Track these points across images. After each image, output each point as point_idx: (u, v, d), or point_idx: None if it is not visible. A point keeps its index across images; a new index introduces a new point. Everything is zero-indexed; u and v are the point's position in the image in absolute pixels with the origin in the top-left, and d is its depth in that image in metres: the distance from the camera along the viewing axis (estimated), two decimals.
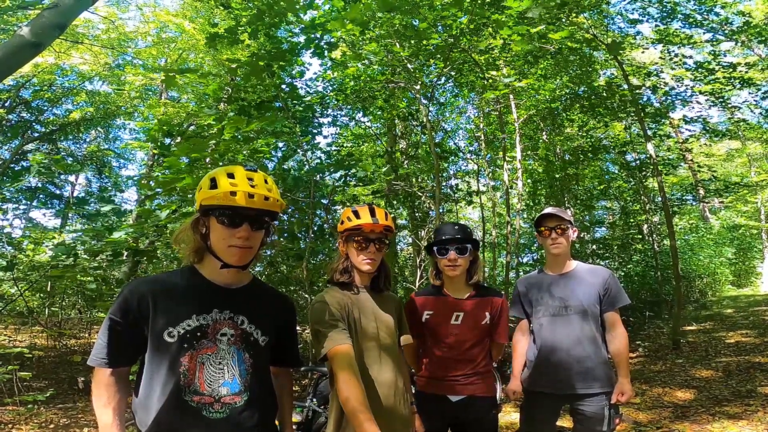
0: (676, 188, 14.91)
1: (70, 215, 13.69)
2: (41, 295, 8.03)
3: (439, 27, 5.19)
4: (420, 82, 6.19)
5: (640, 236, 12.42)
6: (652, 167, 8.69)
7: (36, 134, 14.73)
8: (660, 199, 8.76)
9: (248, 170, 1.39)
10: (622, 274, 11.09)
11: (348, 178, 5.54)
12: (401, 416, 1.83)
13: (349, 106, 7.81)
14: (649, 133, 8.35)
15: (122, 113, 14.56)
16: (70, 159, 15.12)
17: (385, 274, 1.97)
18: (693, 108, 8.78)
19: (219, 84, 6.06)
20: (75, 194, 17.30)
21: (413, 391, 2.18)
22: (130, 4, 14.08)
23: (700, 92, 8.00)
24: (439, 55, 5.67)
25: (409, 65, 5.85)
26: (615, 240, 11.83)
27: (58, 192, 15.71)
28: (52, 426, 4.42)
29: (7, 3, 5.67)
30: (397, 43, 5.64)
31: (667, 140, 10.89)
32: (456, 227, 2.21)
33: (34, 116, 14.44)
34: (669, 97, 8.65)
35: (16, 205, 12.74)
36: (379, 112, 7.89)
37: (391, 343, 1.88)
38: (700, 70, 7.66)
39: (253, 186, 1.36)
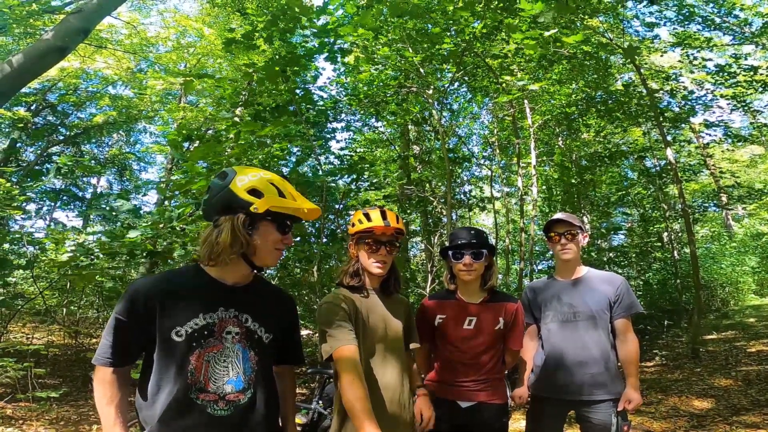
0: (698, 195, 14.55)
1: (91, 216, 14.04)
2: (59, 293, 8.22)
3: (452, 31, 5.18)
4: (432, 87, 6.18)
5: (660, 244, 12.14)
6: (672, 173, 8.50)
7: (61, 137, 15.18)
8: (680, 206, 8.55)
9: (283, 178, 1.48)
10: (641, 282, 10.85)
11: (359, 182, 5.56)
12: (405, 420, 1.82)
13: (362, 112, 7.84)
14: (669, 138, 8.17)
15: (143, 117, 14.90)
16: (93, 162, 15.52)
17: (395, 277, 1.97)
18: (714, 112, 8.58)
19: (235, 88, 6.15)
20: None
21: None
22: (151, 9, 14.46)
23: (722, 96, 7.80)
24: (451, 60, 5.66)
25: (421, 70, 5.85)
26: (633, 248, 11.58)
27: (80, 194, 16.15)
28: (62, 422, 4.46)
29: (34, 7, 5.86)
30: (409, 48, 5.65)
31: (688, 146, 10.64)
32: (472, 232, 2.19)
33: (59, 119, 14.88)
34: (689, 102, 8.46)
35: (39, 206, 13.14)
36: (392, 117, 7.90)
37: (398, 346, 1.88)
38: (721, 73, 7.47)
39: (307, 205, 1.47)
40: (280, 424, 1.58)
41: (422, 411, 1.99)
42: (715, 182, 12.87)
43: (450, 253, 2.17)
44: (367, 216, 1.88)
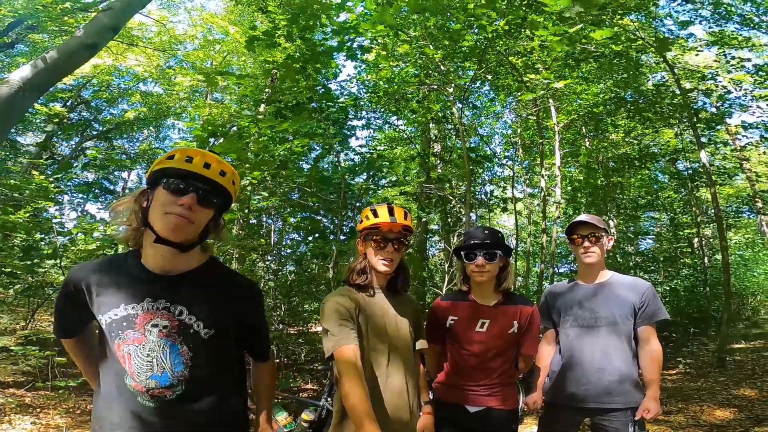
0: (732, 200, 13.97)
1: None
2: None
3: (474, 29, 5.09)
4: (454, 84, 6.09)
5: (690, 250, 11.71)
6: (705, 176, 8.16)
7: (94, 132, 15.76)
8: (713, 211, 8.20)
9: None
10: (668, 288, 10.51)
11: (375, 179, 5.55)
12: (409, 422, 1.78)
13: (382, 109, 7.81)
14: (703, 140, 7.84)
15: (172, 113, 15.30)
16: (124, 156, 16.02)
17: (403, 276, 1.93)
18: (753, 113, 8.18)
19: (257, 85, 6.23)
20: (126, 190, 18.27)
21: (431, 397, 2.11)
22: (179, 7, 14.83)
23: (760, 97, 7.44)
24: (473, 58, 5.57)
25: (442, 67, 5.78)
26: (662, 253, 11.20)
27: (112, 187, 16.70)
28: (78, 412, 4.50)
29: (67, 5, 6.07)
30: (430, 45, 5.59)
31: (724, 148, 10.18)
32: (486, 232, 2.12)
33: (93, 115, 15.45)
34: (725, 102, 8.09)
35: (71, 198, 13.67)
36: (412, 115, 7.84)
37: (403, 347, 1.83)
38: (760, 73, 7.13)
39: (207, 159, 1.32)
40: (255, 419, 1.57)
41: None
42: (751, 186, 12.33)
43: (462, 253, 2.12)
44: (375, 212, 1.84)
